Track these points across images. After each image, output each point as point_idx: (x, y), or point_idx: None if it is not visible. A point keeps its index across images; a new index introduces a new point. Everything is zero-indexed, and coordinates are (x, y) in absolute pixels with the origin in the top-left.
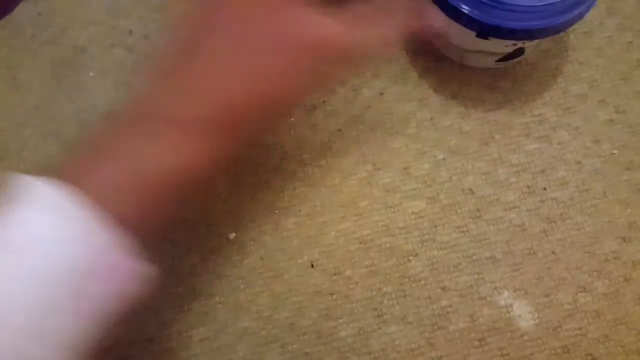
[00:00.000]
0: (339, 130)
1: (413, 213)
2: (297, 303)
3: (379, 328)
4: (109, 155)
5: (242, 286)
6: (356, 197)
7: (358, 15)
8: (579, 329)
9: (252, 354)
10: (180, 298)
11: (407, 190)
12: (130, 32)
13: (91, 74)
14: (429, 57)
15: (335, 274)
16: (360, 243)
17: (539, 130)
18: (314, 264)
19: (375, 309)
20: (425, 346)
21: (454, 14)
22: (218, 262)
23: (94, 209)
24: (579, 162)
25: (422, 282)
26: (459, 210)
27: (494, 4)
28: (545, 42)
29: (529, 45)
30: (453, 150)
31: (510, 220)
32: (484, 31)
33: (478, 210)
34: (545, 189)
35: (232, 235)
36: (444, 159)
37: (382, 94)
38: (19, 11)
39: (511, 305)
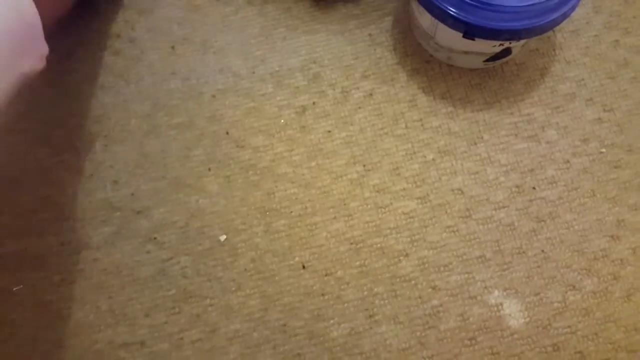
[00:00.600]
0: (329, 131)
1: (403, 213)
2: (288, 304)
3: (371, 328)
4: None
5: (233, 288)
6: (347, 198)
7: None
8: (569, 327)
9: (244, 356)
10: (172, 300)
11: (397, 191)
12: (118, 36)
13: (79, 78)
14: (417, 58)
15: (326, 275)
16: (351, 244)
17: (528, 129)
18: (305, 265)
19: (367, 309)
20: (417, 346)
21: (440, 15)
22: (209, 264)
23: None
24: (568, 161)
25: (413, 282)
26: (448, 210)
27: (479, 4)
28: (532, 42)
29: (516, 45)
30: (442, 150)
31: (499, 219)
32: (471, 32)
33: (468, 210)
34: (534, 188)
35: (223, 237)
36: (433, 159)
37: (371, 95)
38: None
39: (501, 304)
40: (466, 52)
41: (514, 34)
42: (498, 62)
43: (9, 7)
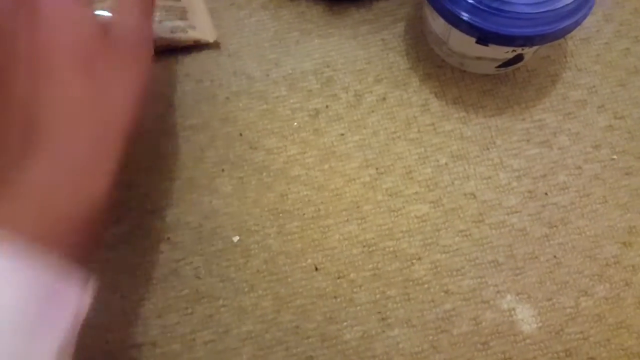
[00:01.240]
0: (342, 134)
1: (416, 217)
2: (301, 306)
3: (383, 331)
4: None
5: (246, 289)
6: (360, 201)
7: None
8: (581, 332)
9: (256, 358)
10: (184, 301)
11: (410, 195)
12: None
13: None
14: (430, 63)
15: (339, 278)
16: (364, 246)
17: (540, 135)
18: (318, 267)
19: (379, 313)
20: (429, 349)
21: (454, 20)
22: (222, 265)
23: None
24: (579, 167)
25: (426, 285)
26: (461, 215)
27: (493, 11)
28: (544, 49)
29: (528, 51)
30: (455, 155)
31: (512, 224)
32: (484, 38)
33: (480, 214)
34: (546, 193)
35: (236, 239)
36: (446, 164)
37: (384, 99)
38: None
39: (514, 309)
40: (479, 58)
41: (527, 40)
42: (510, 68)
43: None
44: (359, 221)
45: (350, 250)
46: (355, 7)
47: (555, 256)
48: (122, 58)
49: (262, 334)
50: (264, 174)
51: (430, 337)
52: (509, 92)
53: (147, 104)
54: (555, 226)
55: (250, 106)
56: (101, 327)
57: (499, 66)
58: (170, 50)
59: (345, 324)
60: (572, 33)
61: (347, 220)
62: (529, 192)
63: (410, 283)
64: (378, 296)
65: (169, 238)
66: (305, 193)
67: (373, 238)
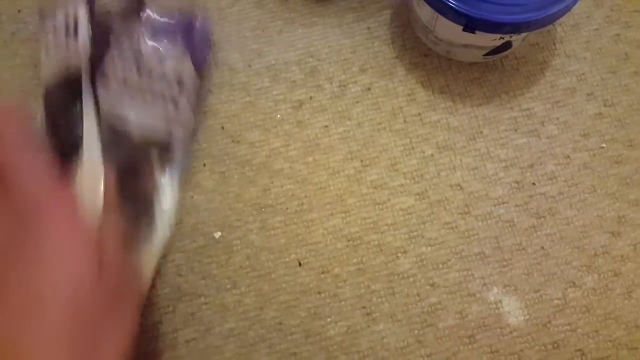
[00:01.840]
0: (326, 126)
1: (401, 210)
2: (284, 302)
3: (368, 326)
4: None
5: (228, 286)
6: (344, 194)
7: None
8: (569, 324)
9: (239, 355)
10: (166, 299)
11: (395, 187)
12: None
13: None
14: (416, 52)
15: (323, 273)
16: (349, 240)
17: (528, 124)
18: (302, 262)
19: (364, 307)
20: (415, 344)
21: (440, 7)
22: (204, 262)
23: None
24: (568, 157)
25: (411, 279)
26: (447, 206)
27: None
28: (532, 36)
29: (516, 38)
30: (441, 145)
31: (499, 215)
32: (471, 25)
33: (467, 206)
34: (534, 184)
35: (218, 235)
36: (432, 155)
37: (369, 89)
38: None
39: (500, 302)
40: (466, 46)
41: (515, 27)
42: (498, 56)
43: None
44: (344, 215)
45: (334, 244)
46: None
47: (542, 247)
48: (111, 305)
49: (245, 331)
50: (247, 168)
51: (416, 332)
52: (496, 80)
53: None
54: (543, 217)
55: (232, 98)
56: None
57: (487, 54)
58: None
59: (329, 319)
60: (562, 19)
61: (332, 214)
62: (517, 182)
63: (395, 277)
64: (363, 291)
65: None
66: (288, 187)
67: (358, 232)
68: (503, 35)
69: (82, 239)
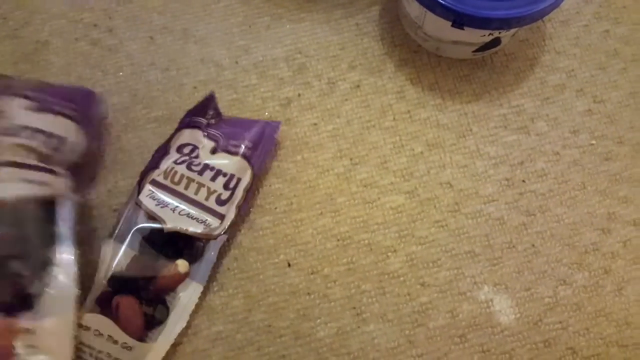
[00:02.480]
0: (315, 124)
1: (391, 208)
2: (273, 304)
3: (358, 327)
4: None
5: (215, 288)
6: (333, 193)
7: None
8: (560, 322)
9: (227, 359)
10: None
11: (385, 185)
12: (95, 25)
13: (54, 70)
14: (405, 49)
15: (312, 273)
16: (338, 240)
17: (517, 121)
18: (291, 263)
19: (354, 308)
20: (405, 344)
21: (429, 3)
22: None
23: None
24: (558, 154)
25: (401, 278)
26: (437, 205)
27: None
28: (522, 32)
29: (505, 35)
30: (431, 143)
31: (489, 213)
32: (459, 20)
33: (457, 204)
34: (524, 181)
35: None
36: (421, 152)
37: (358, 86)
38: None
39: (491, 300)
40: (455, 42)
41: (504, 23)
42: (487, 53)
43: None
44: (333, 214)
45: (324, 244)
46: None
47: (533, 245)
48: None
49: (233, 334)
50: None
51: (407, 332)
52: (486, 77)
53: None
54: (533, 214)
55: (218, 95)
56: None
57: (476, 50)
58: None
59: (319, 320)
60: (551, 15)
61: (321, 214)
62: (506, 180)
63: (386, 276)
64: (353, 291)
65: None
66: (277, 186)
67: (347, 231)
68: (492, 32)
69: None
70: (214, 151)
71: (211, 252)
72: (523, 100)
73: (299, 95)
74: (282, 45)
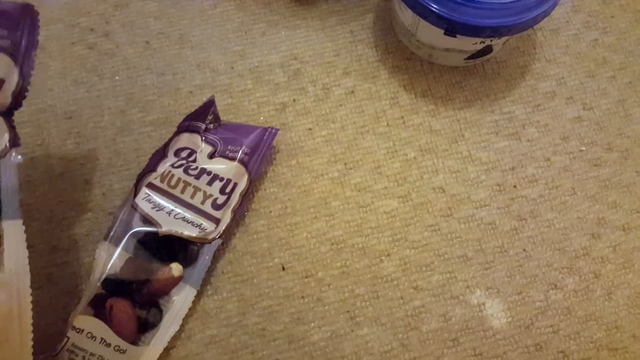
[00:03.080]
0: (310, 129)
1: (385, 212)
2: (267, 308)
3: (352, 331)
4: None
5: (209, 292)
6: (328, 197)
7: None
8: (551, 326)
9: None
10: None
11: (378, 190)
12: (92, 29)
13: (50, 73)
14: (399, 56)
15: (306, 277)
16: (332, 244)
17: (508, 127)
18: (285, 266)
19: (348, 312)
20: (399, 348)
21: (422, 11)
22: None
23: None
24: (548, 159)
25: (395, 282)
26: (430, 209)
27: (461, 1)
28: (513, 40)
29: (497, 43)
30: (424, 148)
31: (481, 218)
32: (452, 29)
33: (449, 208)
34: (515, 186)
35: None
36: (414, 158)
37: (352, 92)
38: None
39: (483, 304)
40: (447, 50)
41: (495, 31)
42: (479, 60)
43: None
44: (327, 218)
45: (318, 248)
46: None
47: (524, 249)
48: None
49: (227, 338)
50: None
51: (400, 335)
52: (478, 84)
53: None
54: (525, 219)
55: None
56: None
57: (468, 58)
58: None
59: (313, 324)
60: (542, 24)
61: (315, 218)
62: (498, 185)
63: (379, 280)
64: (347, 295)
65: None
66: (272, 190)
67: (342, 235)
68: (484, 40)
69: None
70: (211, 156)
71: (205, 256)
72: (514, 107)
73: (294, 100)
74: (278, 51)
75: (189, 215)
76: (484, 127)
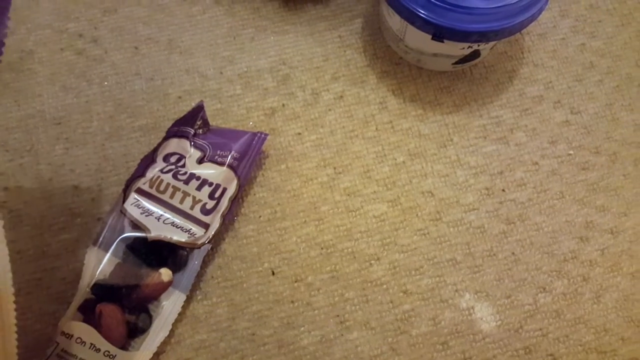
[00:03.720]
0: (299, 133)
1: (374, 217)
2: (257, 312)
3: (342, 335)
4: None
5: (199, 297)
6: (317, 201)
7: None
8: (540, 329)
9: None
10: None
11: (368, 194)
12: (80, 35)
13: (39, 79)
14: (387, 61)
15: (296, 281)
16: (322, 248)
17: (497, 132)
18: (275, 271)
19: (338, 316)
20: (388, 352)
21: (409, 16)
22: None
23: None
24: (536, 163)
25: (384, 286)
26: (419, 213)
27: (448, 6)
28: (501, 45)
29: (484, 47)
30: (412, 153)
31: (469, 222)
32: (439, 34)
33: (438, 212)
34: (503, 190)
35: None
36: (403, 162)
37: (341, 97)
38: None
39: (472, 308)
40: (435, 55)
41: (483, 36)
42: (467, 65)
43: None
44: (317, 222)
45: (307, 252)
46: (311, 3)
47: (513, 253)
48: None
49: (217, 343)
50: None
51: (390, 339)
52: (466, 88)
53: (95, 104)
54: (513, 223)
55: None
56: (47, 342)
57: (456, 63)
58: None
59: (302, 328)
60: (529, 29)
61: (305, 222)
62: (487, 189)
63: (369, 284)
64: (336, 299)
65: None
66: (261, 195)
67: (331, 239)
68: (471, 44)
69: None
70: (200, 161)
71: (195, 261)
72: (502, 111)
73: (283, 105)
74: (267, 56)
75: (178, 220)
76: (472, 131)
